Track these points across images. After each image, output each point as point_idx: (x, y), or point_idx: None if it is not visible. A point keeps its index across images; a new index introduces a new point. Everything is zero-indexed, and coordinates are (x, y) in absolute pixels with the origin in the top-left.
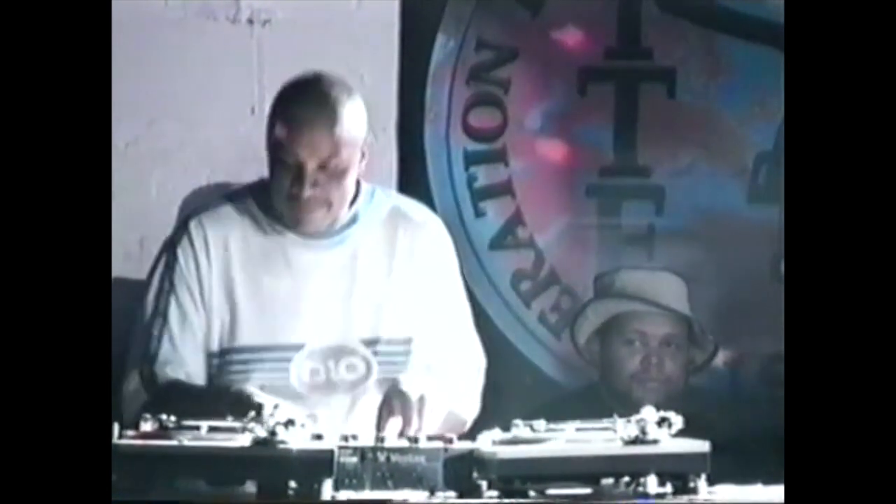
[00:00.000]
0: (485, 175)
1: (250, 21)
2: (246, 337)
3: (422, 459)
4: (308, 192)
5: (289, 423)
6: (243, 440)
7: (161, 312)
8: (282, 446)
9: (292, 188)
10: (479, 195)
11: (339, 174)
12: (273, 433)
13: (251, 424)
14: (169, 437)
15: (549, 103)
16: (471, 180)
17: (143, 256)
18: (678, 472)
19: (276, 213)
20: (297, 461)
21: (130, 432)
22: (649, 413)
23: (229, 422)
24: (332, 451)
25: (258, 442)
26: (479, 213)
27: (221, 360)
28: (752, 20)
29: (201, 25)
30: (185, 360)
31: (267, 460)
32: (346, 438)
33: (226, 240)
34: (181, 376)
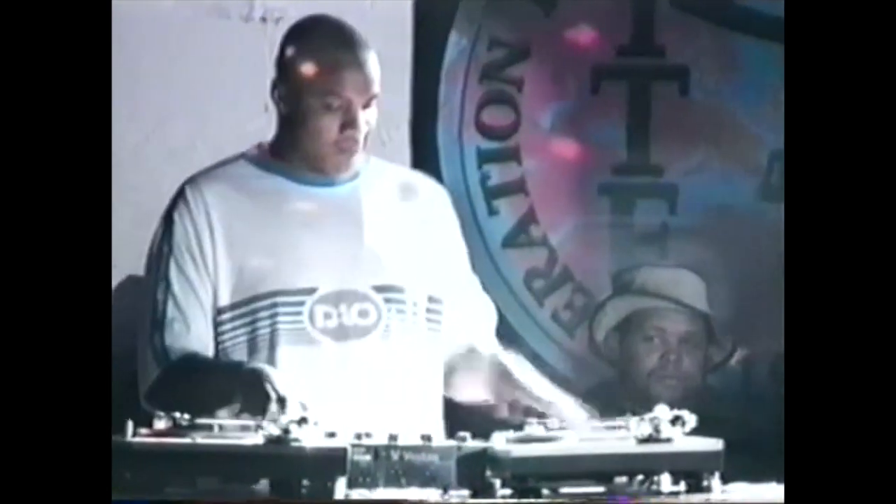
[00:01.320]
0: (498, 173)
1: (263, 19)
2: (256, 287)
3: (435, 458)
4: (361, 132)
5: (302, 420)
6: (256, 438)
7: (163, 277)
8: (295, 444)
9: (344, 130)
10: (492, 193)
11: (370, 114)
12: (286, 431)
13: (265, 422)
14: (182, 435)
15: (562, 102)
16: (484, 178)
17: None
18: (692, 471)
19: (291, 162)
20: (310, 459)
21: (144, 430)
22: (663, 411)
23: (242, 420)
24: (345, 450)
25: (271, 440)
26: (492, 212)
27: (233, 313)
28: (765, 18)
29: (213, 24)
30: (190, 321)
31: (280, 458)
32: (359, 437)
33: (223, 198)
34: (192, 342)
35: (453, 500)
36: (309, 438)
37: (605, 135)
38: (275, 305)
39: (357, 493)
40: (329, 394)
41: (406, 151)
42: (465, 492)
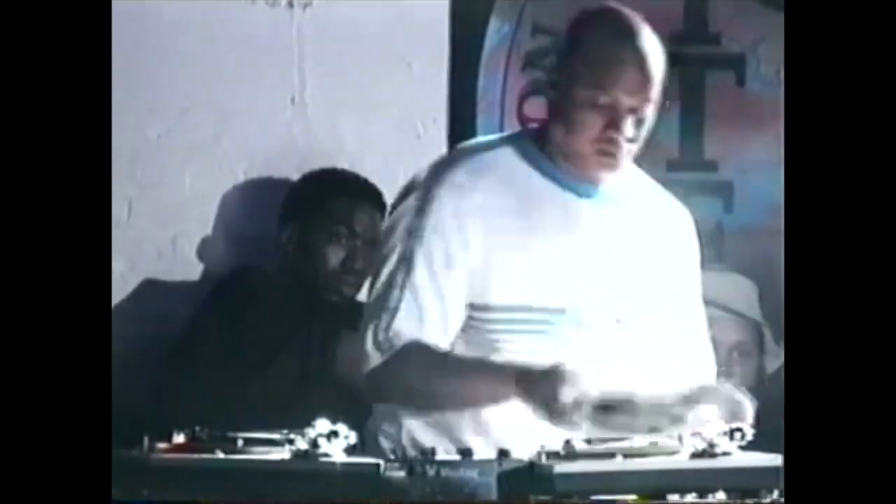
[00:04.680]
0: None
1: (290, 5)
2: (501, 295)
3: (474, 474)
4: (626, 136)
5: (332, 434)
6: (283, 453)
7: (405, 258)
8: (324, 459)
9: (605, 131)
10: None
11: (643, 119)
12: (315, 445)
13: (292, 436)
14: (203, 450)
15: None
16: None
17: (177, 256)
18: (748, 488)
19: (557, 159)
20: (340, 475)
21: (162, 444)
22: (717, 424)
23: (268, 434)
24: (377, 465)
25: (299, 455)
26: None
27: (470, 315)
28: None
29: (238, 9)
30: (427, 311)
31: (308, 474)
32: (393, 452)
33: (489, 191)
34: (421, 333)
35: None
36: (339, 453)
37: (656, 128)
38: (516, 322)
39: None
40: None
41: (443, 145)
42: None
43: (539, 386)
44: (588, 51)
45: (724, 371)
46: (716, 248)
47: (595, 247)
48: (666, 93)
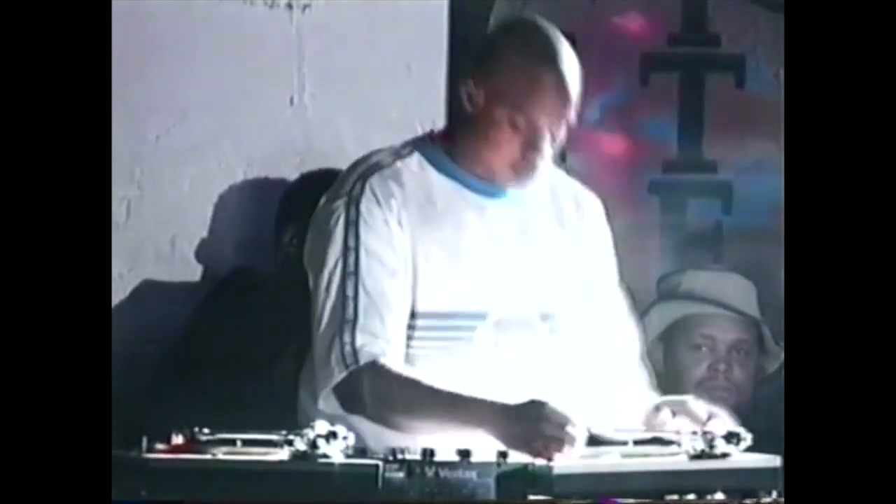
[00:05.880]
0: None
1: (289, 6)
2: (427, 302)
3: (473, 475)
4: (543, 158)
5: (330, 435)
6: (282, 454)
7: (352, 272)
8: (323, 460)
9: (525, 153)
10: None
11: (555, 139)
12: (314, 446)
13: (291, 437)
14: (202, 451)
15: (610, 94)
16: None
17: (175, 257)
18: (748, 489)
19: (466, 164)
20: (339, 476)
21: (161, 445)
22: (717, 426)
23: (267, 435)
24: (376, 466)
25: (298, 456)
26: None
27: (410, 322)
28: None
29: (237, 10)
30: (385, 322)
31: (307, 475)
32: (393, 452)
33: (406, 199)
34: (384, 346)
35: None
36: (338, 454)
37: (655, 129)
38: (444, 329)
39: None
40: None
41: None
42: None
43: (520, 423)
44: (508, 69)
45: (724, 370)
46: (714, 248)
47: (510, 246)
48: (665, 95)
